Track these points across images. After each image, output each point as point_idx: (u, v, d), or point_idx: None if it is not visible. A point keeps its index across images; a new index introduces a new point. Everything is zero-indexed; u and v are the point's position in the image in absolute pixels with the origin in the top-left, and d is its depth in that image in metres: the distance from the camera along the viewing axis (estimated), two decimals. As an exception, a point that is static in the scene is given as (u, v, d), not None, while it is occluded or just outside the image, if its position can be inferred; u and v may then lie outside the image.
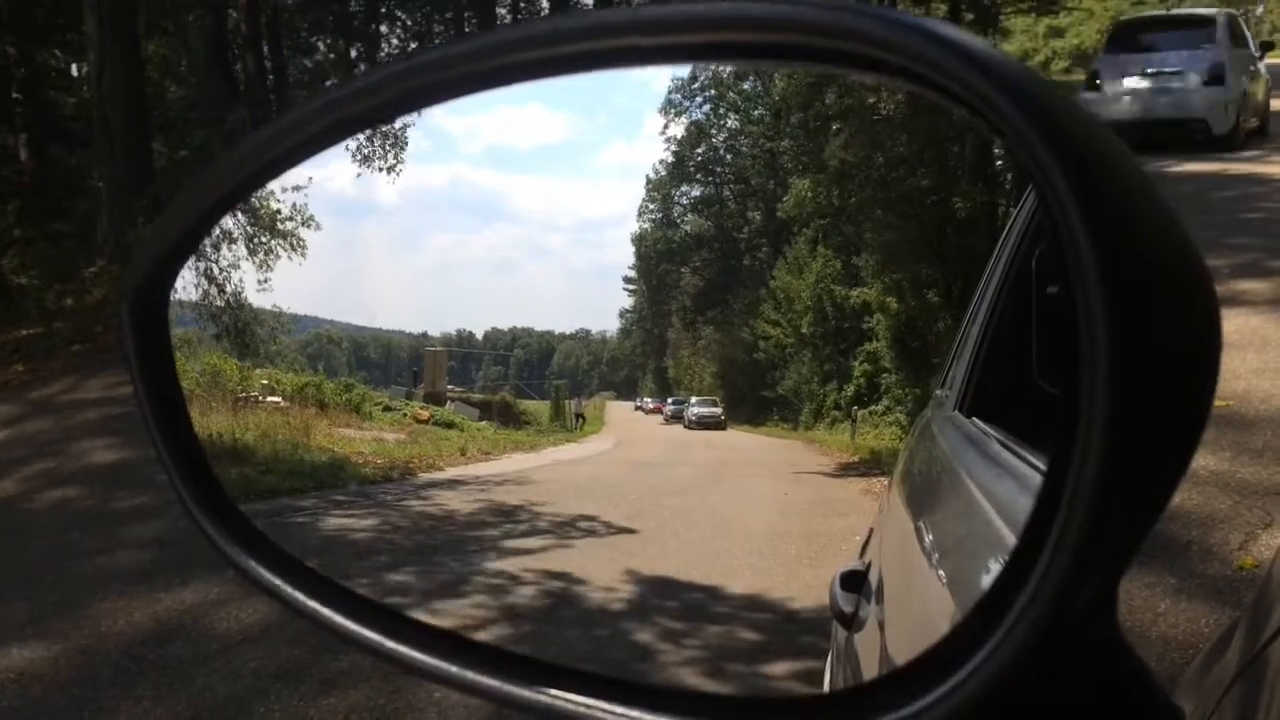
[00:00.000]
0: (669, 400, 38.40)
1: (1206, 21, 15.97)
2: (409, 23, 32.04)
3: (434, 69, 0.64)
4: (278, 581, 0.78)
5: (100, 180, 17.23)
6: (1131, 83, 15.12)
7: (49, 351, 14.27)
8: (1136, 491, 0.51)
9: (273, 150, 0.72)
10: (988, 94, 0.50)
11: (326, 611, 0.76)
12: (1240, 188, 12.95)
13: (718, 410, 31.94)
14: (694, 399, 34.33)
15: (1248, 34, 17.38)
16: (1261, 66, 17.22)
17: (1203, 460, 5.28)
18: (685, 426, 31.17)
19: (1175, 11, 21.49)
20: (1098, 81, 15.59)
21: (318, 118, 0.69)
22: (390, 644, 0.72)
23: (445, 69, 0.63)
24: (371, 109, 0.67)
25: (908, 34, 0.51)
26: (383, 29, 31.81)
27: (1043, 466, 0.55)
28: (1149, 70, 15.16)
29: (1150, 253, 0.50)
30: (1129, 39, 16.23)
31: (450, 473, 13.76)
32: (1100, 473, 0.49)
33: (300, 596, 0.77)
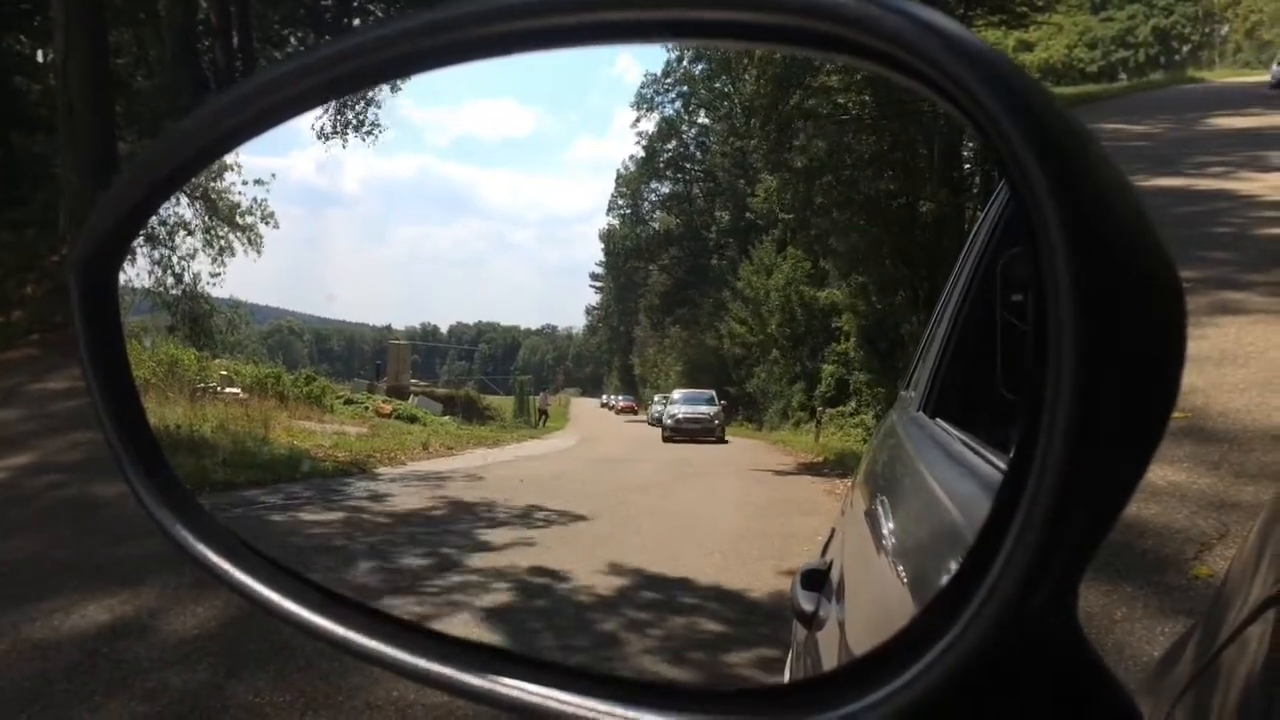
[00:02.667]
0: (656, 398, 32.12)
1: None
2: (381, 16, 31.96)
3: (404, 39, 0.62)
4: (228, 567, 0.77)
5: (63, 168, 17.04)
6: None
7: (7, 341, 14.11)
8: (1096, 492, 0.50)
9: (225, 123, 0.71)
10: (968, 81, 0.50)
11: (278, 598, 0.75)
12: (1207, 203, 13.13)
13: (711, 411, 25.57)
14: (677, 393, 27.62)
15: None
16: None
17: (1161, 471, 5.34)
18: (664, 438, 24.55)
19: None
20: (1276, 66, 34.37)
21: (277, 88, 0.68)
22: (342, 631, 0.71)
23: (421, 38, 0.62)
24: (329, 82, 0.66)
25: (886, 14, 0.50)
26: (355, 22, 31.72)
27: (1005, 467, 0.54)
28: None
29: (1124, 255, 0.50)
30: None
31: (412, 467, 13.75)
32: (1061, 472, 0.48)
33: (252, 583, 0.76)
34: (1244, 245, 10.83)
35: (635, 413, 36.85)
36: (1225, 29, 74.41)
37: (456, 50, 0.62)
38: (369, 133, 23.99)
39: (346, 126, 23.52)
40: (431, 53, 0.62)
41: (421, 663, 0.67)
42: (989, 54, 0.50)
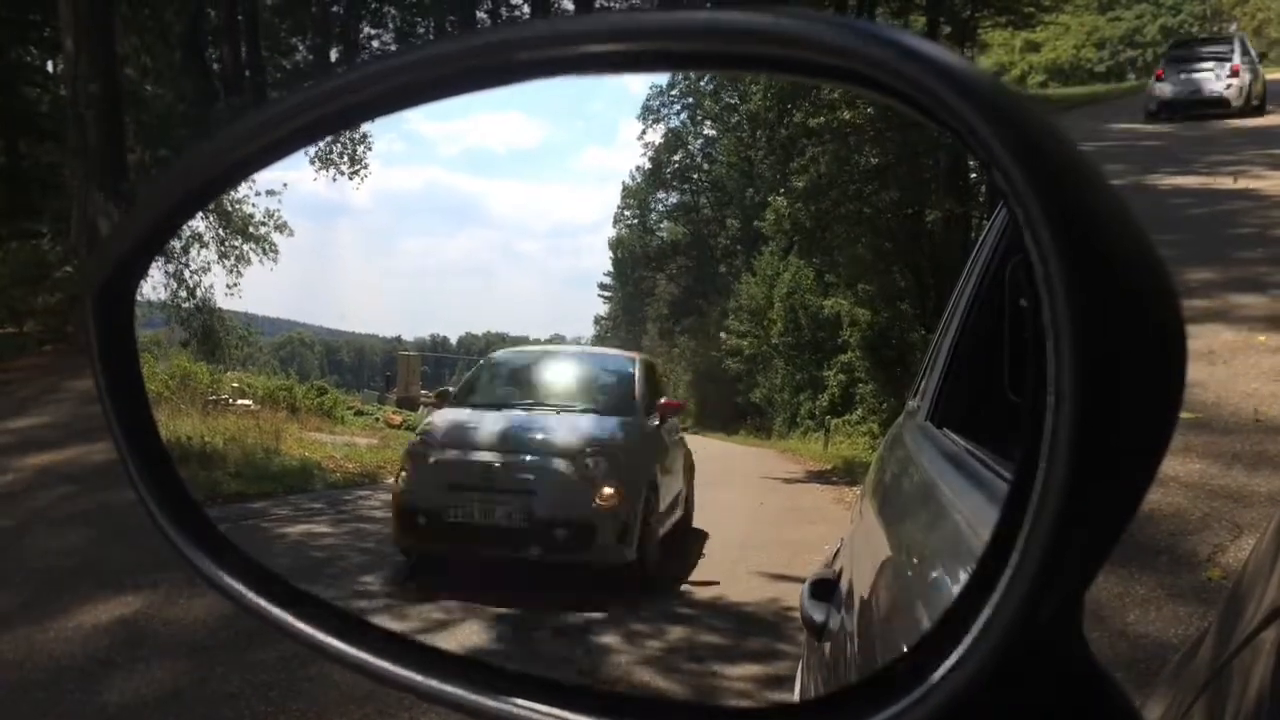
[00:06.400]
0: None
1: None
2: (391, 25, 31.95)
3: (417, 69, 0.63)
4: (239, 586, 0.77)
5: (72, 177, 17.09)
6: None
7: (20, 351, 14.15)
8: (1102, 502, 0.51)
9: (247, 146, 0.72)
10: (958, 107, 0.50)
11: (290, 619, 0.75)
12: (1225, 202, 13.11)
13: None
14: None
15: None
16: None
17: (1173, 470, 5.32)
18: None
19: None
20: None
21: (293, 116, 0.68)
22: (354, 652, 0.72)
23: (428, 69, 0.63)
24: (349, 109, 0.67)
25: (882, 47, 0.51)
26: (366, 29, 31.72)
27: (1011, 477, 0.55)
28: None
29: (1119, 269, 0.51)
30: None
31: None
32: (1065, 483, 0.49)
33: (263, 603, 0.76)
34: (1263, 243, 10.81)
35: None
36: (1233, 27, 74.15)
37: (468, 79, 0.63)
38: (355, 172, 23.76)
39: (329, 164, 23.34)
40: (443, 81, 0.63)
41: (434, 683, 0.67)
42: (978, 80, 0.50)
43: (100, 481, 8.32)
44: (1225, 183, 14.36)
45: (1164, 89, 24.43)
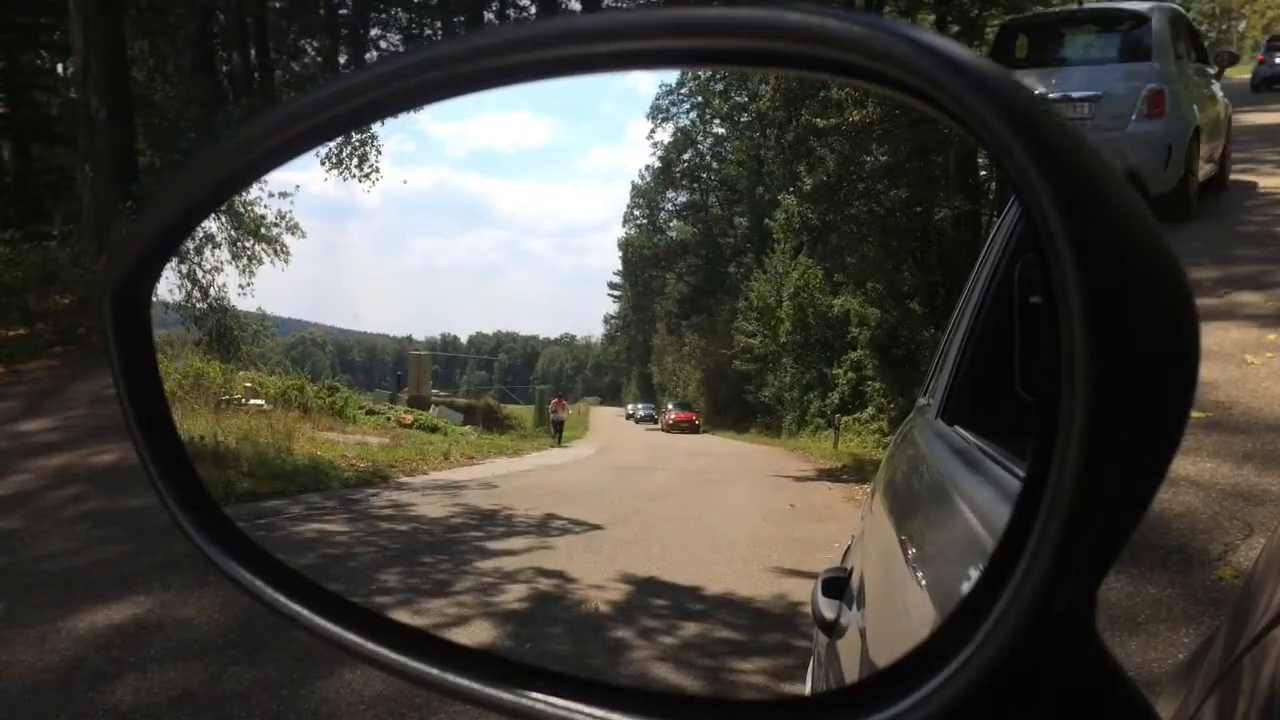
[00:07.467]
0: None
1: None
2: (399, 27, 31.98)
3: (424, 69, 0.64)
4: (259, 583, 0.78)
5: (82, 180, 17.15)
6: None
7: (31, 352, 14.20)
8: (1114, 499, 0.51)
9: (260, 146, 0.72)
10: (971, 103, 0.50)
11: (308, 614, 0.75)
12: (1232, 199, 13.07)
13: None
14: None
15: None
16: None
17: (1184, 469, 5.31)
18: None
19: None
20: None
21: (305, 116, 0.69)
22: (372, 646, 0.72)
23: (437, 69, 0.63)
24: (359, 109, 0.67)
25: (896, 41, 0.51)
26: (374, 31, 31.74)
27: (1023, 474, 0.55)
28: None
29: (1132, 264, 0.51)
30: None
31: (434, 476, 13.72)
32: (1078, 480, 0.49)
33: (282, 598, 0.77)
34: (1268, 241, 10.76)
35: (696, 426, 30.80)
36: (1242, 25, 73.84)
37: (481, 78, 0.63)
38: (367, 175, 23.91)
39: (340, 164, 23.42)
40: (459, 80, 0.63)
41: (450, 677, 0.68)
42: (992, 74, 0.50)
43: (111, 482, 8.35)
44: (1233, 179, 14.31)
45: (1265, 70, 32.48)
